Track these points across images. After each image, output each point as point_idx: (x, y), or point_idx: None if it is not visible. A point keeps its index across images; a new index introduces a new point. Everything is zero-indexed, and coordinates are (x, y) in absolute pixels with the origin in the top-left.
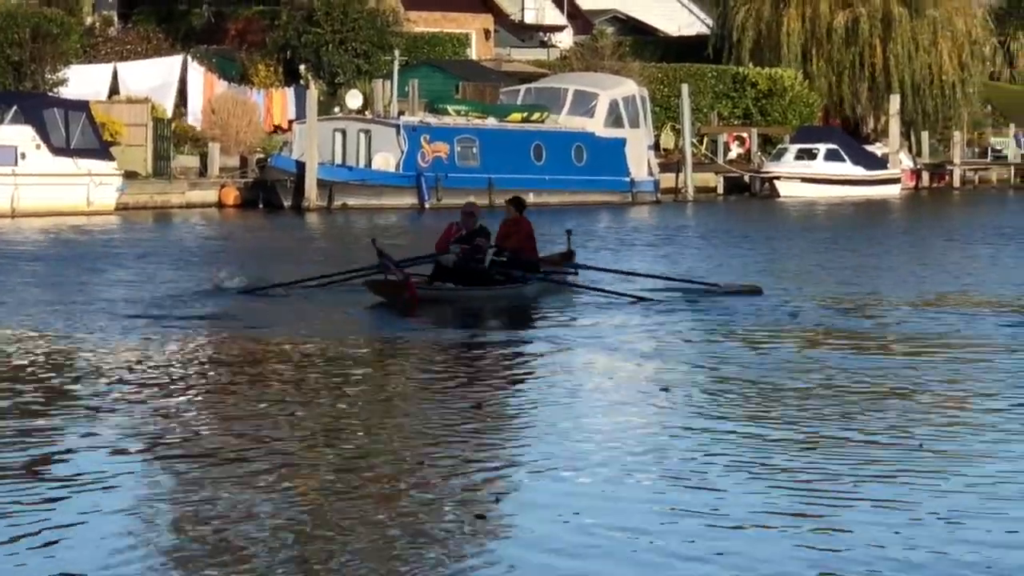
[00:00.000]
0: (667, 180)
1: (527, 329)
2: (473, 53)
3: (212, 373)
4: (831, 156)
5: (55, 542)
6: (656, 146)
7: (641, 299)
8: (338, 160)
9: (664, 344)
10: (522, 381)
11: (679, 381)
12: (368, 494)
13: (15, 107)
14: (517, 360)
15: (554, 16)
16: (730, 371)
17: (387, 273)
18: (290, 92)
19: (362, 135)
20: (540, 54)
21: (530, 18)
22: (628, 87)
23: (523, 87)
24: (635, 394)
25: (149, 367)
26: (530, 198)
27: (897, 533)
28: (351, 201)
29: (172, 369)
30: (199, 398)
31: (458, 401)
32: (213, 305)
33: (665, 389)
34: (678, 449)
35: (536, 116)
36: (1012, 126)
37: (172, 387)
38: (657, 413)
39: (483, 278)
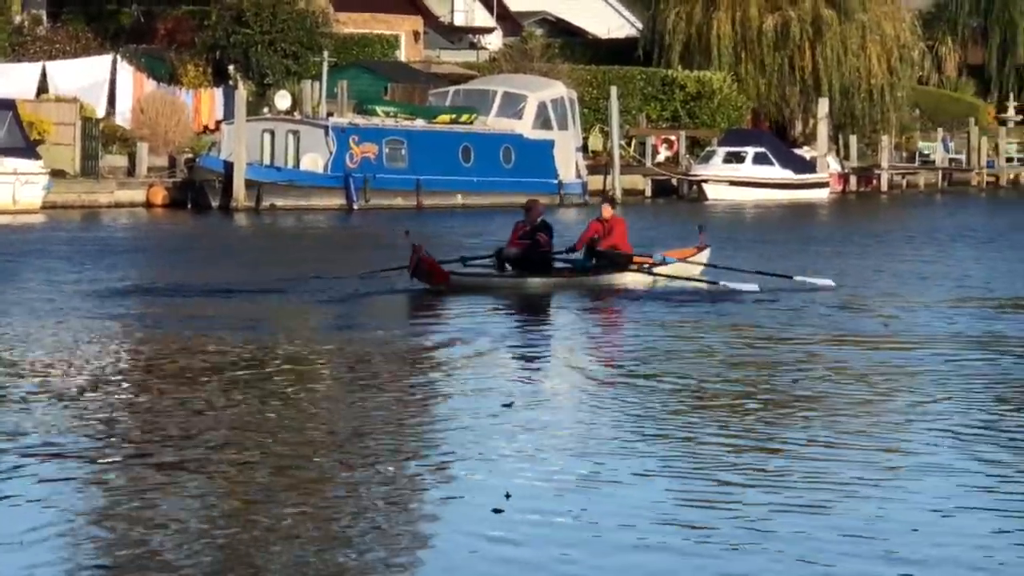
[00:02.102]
0: (595, 182)
1: (482, 330)
2: (402, 54)
3: (133, 373)
4: (759, 159)
5: None
6: (584, 148)
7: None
8: (266, 160)
9: (611, 344)
10: (453, 382)
11: (628, 383)
12: (293, 495)
13: None
14: (455, 360)
15: (483, 18)
16: (670, 368)
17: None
18: (219, 92)
19: (291, 136)
20: (469, 56)
21: (459, 20)
22: (557, 89)
23: (452, 89)
24: (567, 392)
25: (68, 366)
26: (458, 200)
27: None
28: (279, 201)
29: (91, 368)
30: (119, 398)
31: (385, 402)
32: (135, 304)
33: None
34: (604, 452)
35: (465, 118)
36: (940, 130)
37: (91, 386)
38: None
39: (544, 267)
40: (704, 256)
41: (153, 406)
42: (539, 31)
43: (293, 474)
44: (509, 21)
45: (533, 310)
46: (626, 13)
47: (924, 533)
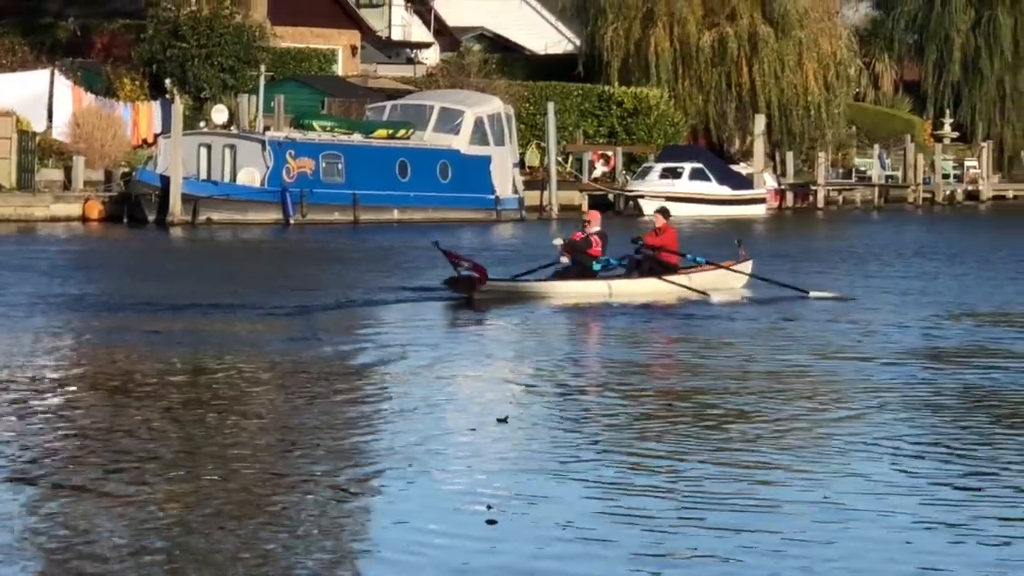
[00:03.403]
0: (532, 198)
1: (429, 344)
2: (340, 69)
3: (67, 387)
4: (696, 175)
5: None
6: (521, 164)
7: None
8: (203, 175)
9: (552, 353)
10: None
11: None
12: (229, 509)
13: None
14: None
15: (421, 33)
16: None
17: (459, 269)
18: (156, 106)
19: (227, 150)
20: (407, 71)
21: (397, 35)
22: (494, 105)
23: (389, 104)
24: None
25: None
26: (395, 215)
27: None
28: (216, 216)
29: (22, 382)
30: (54, 413)
31: (319, 413)
32: (70, 319)
33: (503, 420)
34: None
35: (401, 133)
36: (876, 147)
37: (22, 400)
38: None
39: (589, 272)
40: (747, 267)
41: (89, 422)
42: (477, 46)
43: (228, 488)
44: (447, 36)
45: (489, 323)
46: (564, 29)
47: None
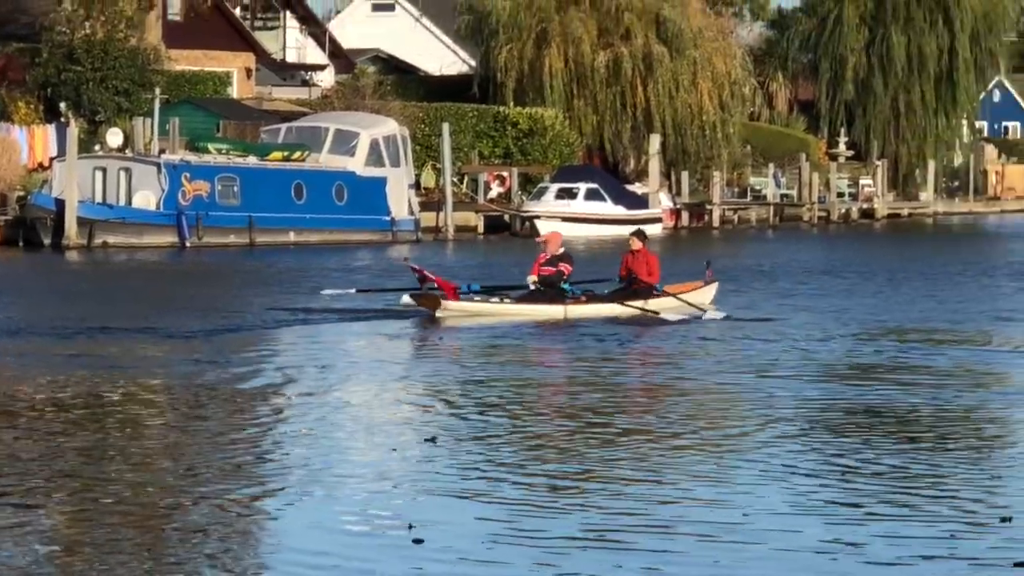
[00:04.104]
0: (428, 219)
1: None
2: (235, 91)
3: None
4: (591, 195)
5: None
6: (417, 185)
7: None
8: (99, 198)
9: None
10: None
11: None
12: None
13: None
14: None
15: (316, 55)
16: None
17: (425, 285)
18: (52, 129)
19: (123, 173)
20: (302, 93)
21: (292, 57)
22: (389, 126)
23: (284, 126)
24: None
25: None
26: (291, 237)
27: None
28: (111, 239)
29: None
30: None
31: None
32: None
33: (432, 439)
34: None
35: (297, 155)
36: (771, 166)
37: None
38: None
39: (559, 294)
40: (712, 290)
41: None
42: (371, 68)
43: (126, 509)
44: (341, 58)
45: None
46: (458, 50)
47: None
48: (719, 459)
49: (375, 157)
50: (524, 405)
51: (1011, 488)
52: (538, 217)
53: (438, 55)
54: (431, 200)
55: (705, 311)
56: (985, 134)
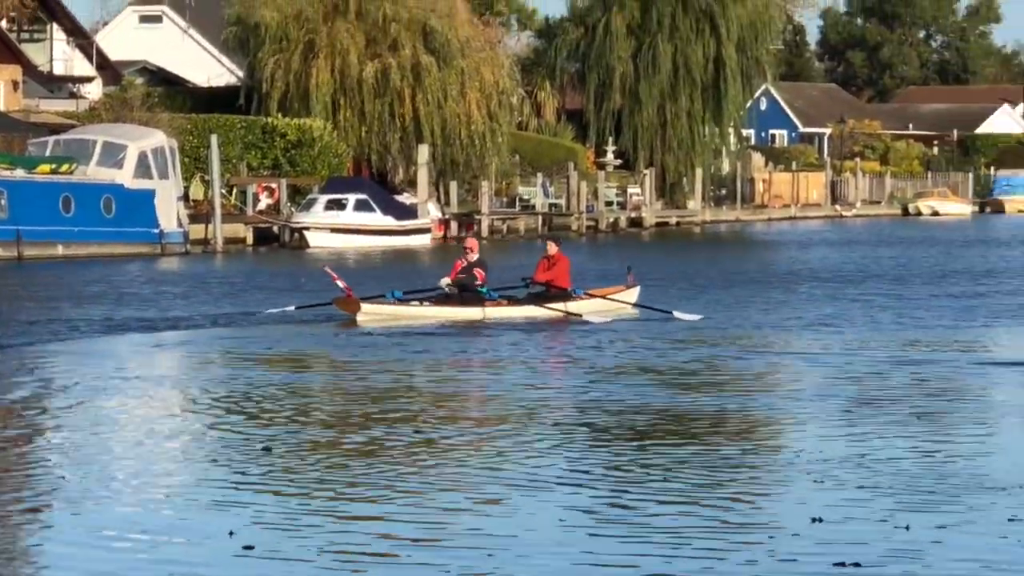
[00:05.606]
0: (196, 231)
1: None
2: (1, 104)
3: None
4: (360, 206)
5: None
6: (185, 197)
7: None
8: None
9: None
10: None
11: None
12: None
13: None
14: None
15: (83, 67)
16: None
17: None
18: None
19: None
20: (69, 105)
21: (59, 69)
22: (157, 138)
23: (52, 138)
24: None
25: None
26: (59, 250)
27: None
28: None
29: None
30: None
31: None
32: None
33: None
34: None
35: (65, 167)
36: (539, 176)
37: None
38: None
39: (478, 299)
40: (633, 294)
41: None
42: (139, 80)
43: None
44: (109, 70)
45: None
46: (226, 61)
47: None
48: (493, 465)
49: (143, 169)
50: (292, 411)
51: (818, 491)
52: (307, 228)
53: (206, 67)
54: (200, 212)
55: (585, 317)
56: (752, 142)
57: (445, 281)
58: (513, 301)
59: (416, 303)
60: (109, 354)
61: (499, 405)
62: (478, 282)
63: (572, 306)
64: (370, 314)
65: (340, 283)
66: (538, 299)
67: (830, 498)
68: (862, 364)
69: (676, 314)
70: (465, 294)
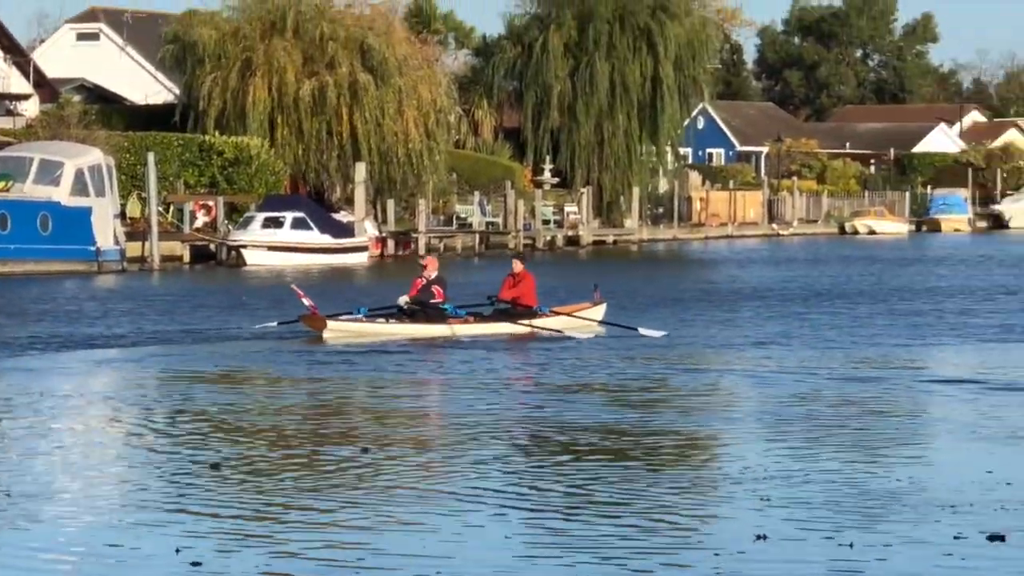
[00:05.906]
0: (133, 249)
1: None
2: None
3: None
4: (298, 224)
5: None
6: (122, 215)
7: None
8: None
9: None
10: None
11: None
12: None
13: None
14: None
15: (20, 84)
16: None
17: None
18: None
19: None
20: (6, 123)
21: None
22: (94, 156)
23: None
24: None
25: None
26: None
27: None
28: None
29: None
30: None
31: None
32: None
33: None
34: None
35: (1, 185)
36: (477, 194)
37: None
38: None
39: (439, 315)
40: (599, 311)
41: None
42: (77, 98)
43: None
44: (46, 88)
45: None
46: (163, 79)
47: None
48: (442, 483)
49: (80, 187)
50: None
51: (763, 508)
52: (244, 246)
53: (143, 84)
54: (137, 230)
55: (563, 332)
56: (689, 161)
57: (404, 299)
58: (480, 318)
59: (383, 320)
60: (52, 371)
61: (449, 422)
62: (435, 299)
63: (548, 323)
64: (336, 331)
65: (306, 301)
66: (504, 316)
67: (775, 515)
68: (808, 382)
69: (641, 331)
70: (429, 311)
